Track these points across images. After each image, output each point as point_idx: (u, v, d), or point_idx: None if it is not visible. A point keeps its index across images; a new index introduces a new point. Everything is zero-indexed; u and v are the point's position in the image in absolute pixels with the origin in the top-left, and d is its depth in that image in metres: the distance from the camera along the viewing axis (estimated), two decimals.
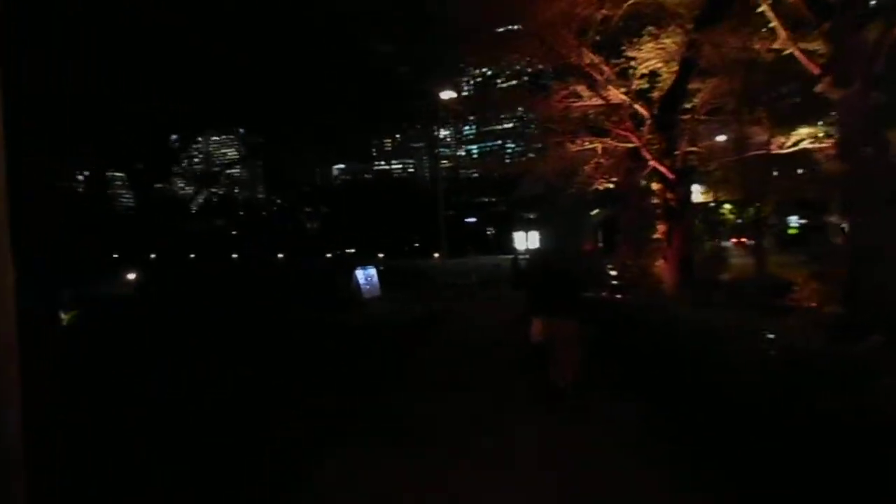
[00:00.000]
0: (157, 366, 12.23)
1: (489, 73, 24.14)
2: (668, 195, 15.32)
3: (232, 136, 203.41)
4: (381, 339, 16.26)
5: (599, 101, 18.80)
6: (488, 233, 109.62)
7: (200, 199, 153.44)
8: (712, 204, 35.45)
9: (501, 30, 19.97)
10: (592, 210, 70.29)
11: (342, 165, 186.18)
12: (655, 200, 16.15)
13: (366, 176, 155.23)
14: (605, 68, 17.12)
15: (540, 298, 9.05)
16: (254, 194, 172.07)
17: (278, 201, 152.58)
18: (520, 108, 22.37)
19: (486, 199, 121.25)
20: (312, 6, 34.20)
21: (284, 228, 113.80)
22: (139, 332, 17.85)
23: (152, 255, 77.22)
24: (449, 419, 8.65)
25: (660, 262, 15.57)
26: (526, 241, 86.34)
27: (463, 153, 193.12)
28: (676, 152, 15.94)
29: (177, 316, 20.65)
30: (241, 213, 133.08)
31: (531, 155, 37.23)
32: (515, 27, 19.76)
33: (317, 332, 17.37)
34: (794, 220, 57.62)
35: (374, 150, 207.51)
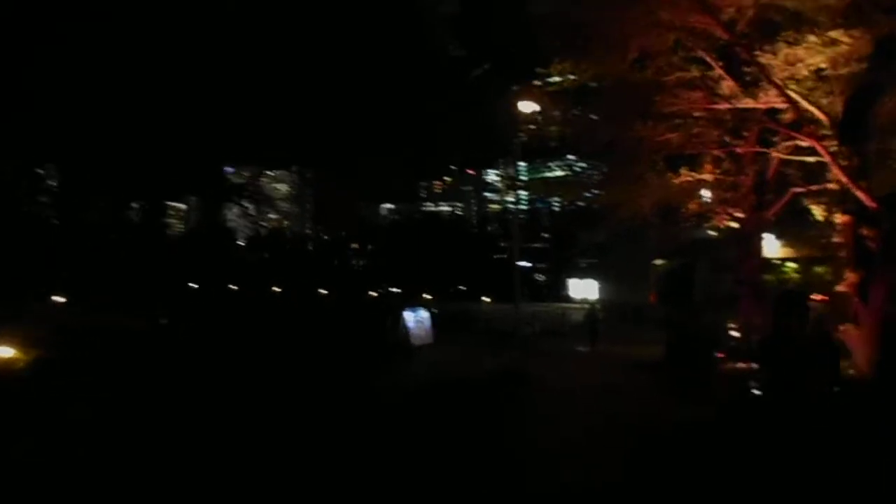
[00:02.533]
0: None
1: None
2: (865, 231, 10.78)
3: (286, 171, 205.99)
4: (449, 413, 11.62)
5: (747, 104, 14.49)
6: (539, 278, 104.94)
7: (250, 232, 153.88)
8: None
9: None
10: (656, 260, 65.11)
11: (391, 205, 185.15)
12: (837, 239, 11.56)
13: (414, 216, 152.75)
14: (764, 59, 12.77)
15: None
16: (302, 229, 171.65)
17: (325, 237, 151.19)
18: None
19: (539, 245, 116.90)
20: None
21: (330, 264, 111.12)
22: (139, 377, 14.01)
23: (194, 285, 75.47)
24: None
25: (846, 328, 10.92)
26: (583, 289, 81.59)
27: (512, 199, 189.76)
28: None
29: (190, 361, 16.76)
30: (289, 246, 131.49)
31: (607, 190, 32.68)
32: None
33: (357, 403, 12.78)
34: None
35: (423, 191, 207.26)
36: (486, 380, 16.30)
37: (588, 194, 32.54)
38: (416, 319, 24.17)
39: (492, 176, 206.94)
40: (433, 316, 25.42)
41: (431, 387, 14.97)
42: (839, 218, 11.36)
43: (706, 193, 20.45)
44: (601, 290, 65.58)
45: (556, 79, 18.88)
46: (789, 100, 12.28)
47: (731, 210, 17.96)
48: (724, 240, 59.91)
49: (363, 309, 34.31)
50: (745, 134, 18.61)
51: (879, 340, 10.97)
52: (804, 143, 17.33)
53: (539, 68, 19.10)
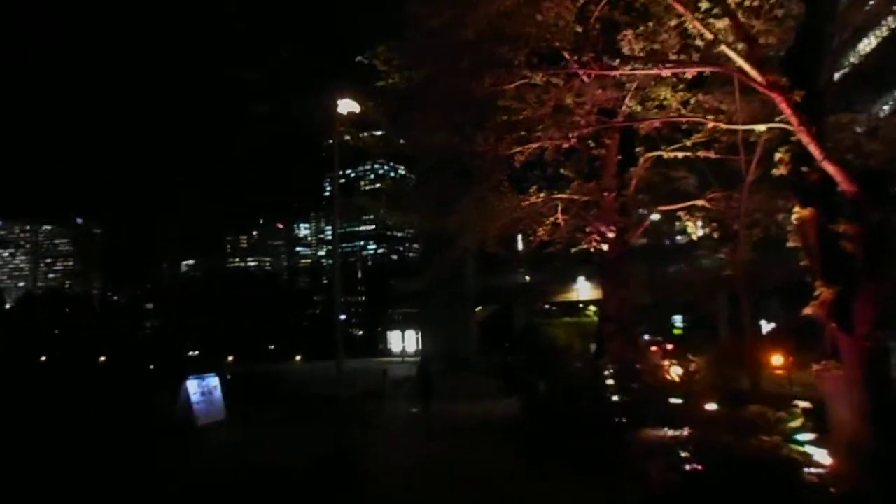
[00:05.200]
0: None
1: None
2: (841, 227, 7.44)
3: (65, 225, 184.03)
4: None
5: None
6: (355, 333, 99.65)
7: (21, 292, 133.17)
8: None
9: None
10: (476, 307, 62.93)
11: (192, 262, 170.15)
12: (793, 243, 8.16)
13: (219, 273, 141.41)
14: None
15: None
16: (88, 288, 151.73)
17: (115, 297, 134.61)
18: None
19: (353, 298, 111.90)
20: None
21: (119, 327, 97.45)
22: None
23: None
24: None
25: (822, 367, 7.44)
26: (402, 341, 77.61)
27: (323, 252, 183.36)
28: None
29: None
30: (69, 308, 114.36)
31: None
32: None
33: None
34: None
35: (228, 245, 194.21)
36: (297, 470, 11.26)
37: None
38: (202, 390, 18.21)
39: (303, 231, 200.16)
40: (224, 383, 19.46)
41: (209, 487, 9.65)
42: (797, 213, 8.02)
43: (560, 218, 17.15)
44: (422, 342, 62.35)
45: (383, 68, 14.70)
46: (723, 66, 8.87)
47: (602, 228, 14.66)
48: (540, 283, 59.38)
49: (133, 380, 27.17)
50: (608, 141, 15.65)
51: (870, 381, 7.59)
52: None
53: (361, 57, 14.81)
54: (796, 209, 8.08)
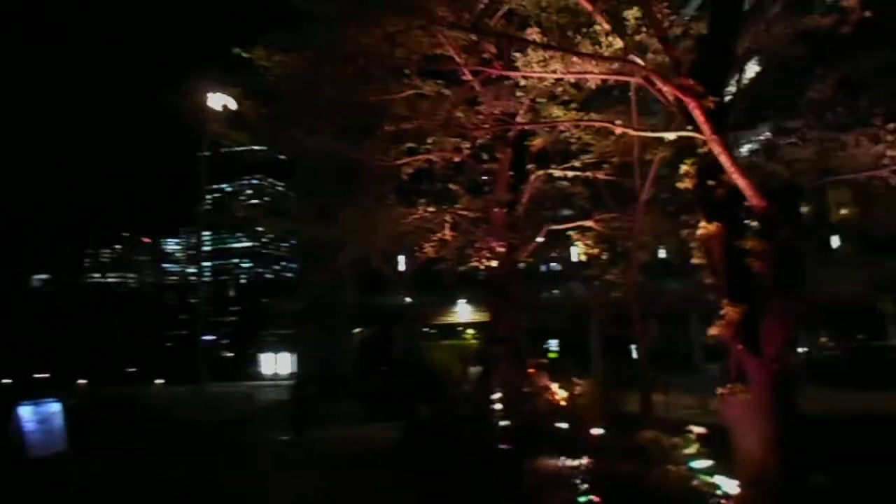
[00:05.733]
0: None
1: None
2: (749, 244, 7.13)
3: None
4: None
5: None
6: (225, 355, 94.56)
7: None
8: None
9: None
10: (354, 328, 61.42)
11: (45, 276, 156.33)
12: (698, 260, 7.79)
13: (75, 288, 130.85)
14: None
15: None
16: None
17: None
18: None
19: (225, 319, 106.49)
20: None
21: None
22: None
23: None
24: None
25: (727, 392, 7.05)
26: (275, 364, 74.40)
27: (193, 269, 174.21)
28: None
29: None
30: None
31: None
32: None
33: None
34: None
35: (87, 260, 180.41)
36: None
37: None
38: (38, 417, 15.83)
39: (171, 245, 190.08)
40: (67, 410, 17.05)
41: None
42: (703, 228, 7.64)
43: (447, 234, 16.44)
44: (298, 364, 59.86)
45: (263, 63, 13.46)
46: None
47: (493, 244, 14.07)
48: (421, 304, 58.88)
49: None
50: (500, 156, 15.18)
51: (777, 407, 7.26)
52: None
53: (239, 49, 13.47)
54: (702, 224, 7.69)
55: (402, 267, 43.37)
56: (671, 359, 42.19)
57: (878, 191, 8.42)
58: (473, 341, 56.26)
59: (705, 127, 7.06)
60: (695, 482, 7.36)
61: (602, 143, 15.12)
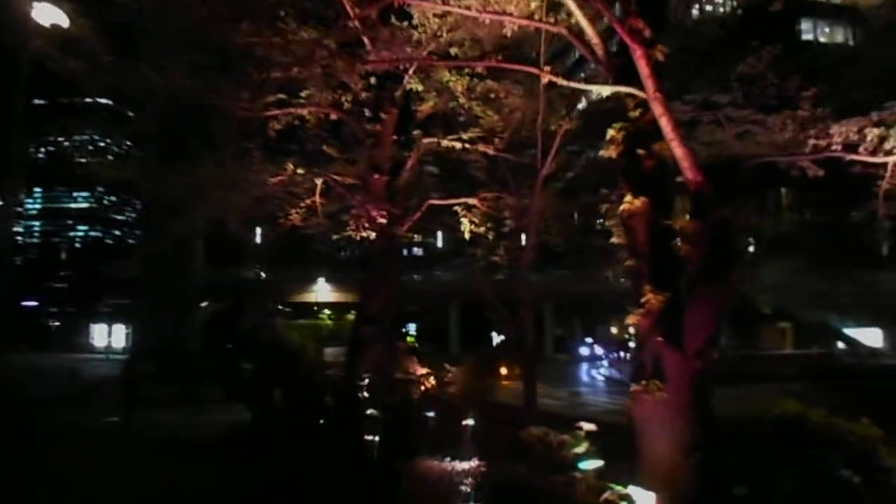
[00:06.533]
0: None
1: None
2: (681, 224, 6.26)
3: None
4: None
5: None
6: (51, 324, 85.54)
7: None
8: None
9: None
10: (201, 302, 57.56)
11: None
12: (617, 239, 6.84)
13: None
14: None
15: None
16: None
17: None
18: None
19: (55, 285, 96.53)
20: None
21: None
22: None
23: None
24: None
25: (640, 390, 6.14)
26: (109, 336, 68.29)
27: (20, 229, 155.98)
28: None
29: None
30: None
31: None
32: None
33: None
34: None
35: None
36: None
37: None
38: None
39: None
40: None
41: None
42: (627, 203, 6.66)
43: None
44: (133, 337, 54.84)
45: None
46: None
47: (373, 212, 12.56)
48: (277, 281, 56.10)
49: None
50: (384, 116, 13.73)
51: (694, 408, 6.45)
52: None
53: None
54: (627, 198, 6.73)
55: (258, 239, 40.82)
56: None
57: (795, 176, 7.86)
58: (330, 322, 54.46)
59: (648, 82, 6.07)
60: (607, 494, 6.41)
61: (491, 118, 14.11)
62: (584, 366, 51.89)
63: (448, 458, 8.08)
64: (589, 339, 60.56)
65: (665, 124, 6.15)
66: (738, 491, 6.03)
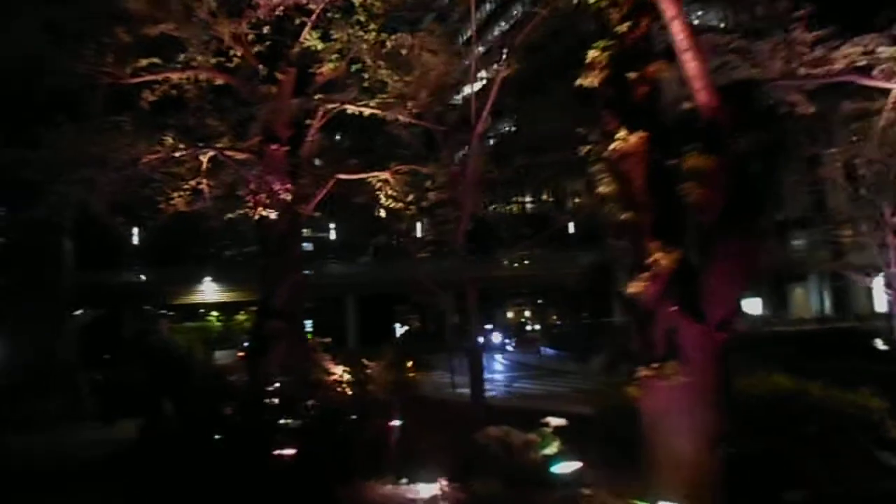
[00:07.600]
0: None
1: None
2: (691, 162, 4.91)
3: None
4: None
5: None
6: None
7: None
8: None
9: None
10: (76, 310, 52.70)
11: None
12: (605, 189, 5.42)
13: None
14: None
15: None
16: None
17: None
18: None
19: None
20: None
21: None
22: None
23: None
24: None
25: (649, 373, 4.79)
26: None
27: None
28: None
29: None
30: None
31: None
32: None
33: None
34: None
35: None
36: None
37: None
38: None
39: None
40: None
41: None
42: (618, 142, 5.22)
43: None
44: (2, 349, 48.87)
45: None
46: None
47: (276, 186, 10.61)
48: (158, 283, 52.03)
49: None
50: (281, 77, 11.78)
51: (721, 392, 5.15)
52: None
53: None
54: (620, 135, 5.30)
55: (136, 239, 37.70)
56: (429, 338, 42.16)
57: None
58: (219, 323, 51.09)
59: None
60: None
61: (397, 84, 12.45)
62: (489, 352, 51.58)
63: (404, 480, 6.46)
64: (488, 326, 60.48)
65: (678, 31, 4.76)
66: (791, 496, 4.80)
